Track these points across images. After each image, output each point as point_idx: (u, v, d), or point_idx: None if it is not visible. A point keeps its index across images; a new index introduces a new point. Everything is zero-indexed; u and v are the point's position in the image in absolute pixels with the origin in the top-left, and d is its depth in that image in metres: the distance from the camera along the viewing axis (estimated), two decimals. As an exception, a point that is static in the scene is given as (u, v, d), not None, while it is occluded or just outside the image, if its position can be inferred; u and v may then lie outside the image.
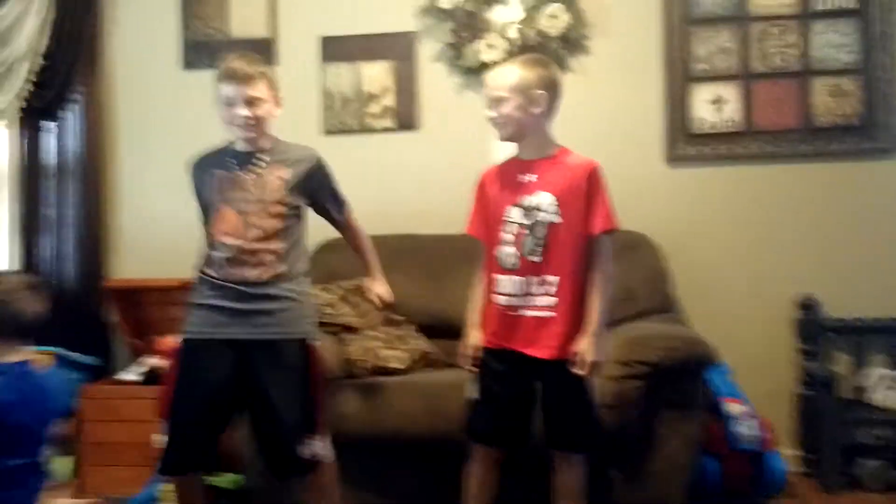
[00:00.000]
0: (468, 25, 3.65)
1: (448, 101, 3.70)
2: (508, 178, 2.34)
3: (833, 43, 3.51)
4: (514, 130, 2.31)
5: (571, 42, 3.61)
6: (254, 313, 2.36)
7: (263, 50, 3.79)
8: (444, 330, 3.29)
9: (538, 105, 2.29)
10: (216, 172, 2.43)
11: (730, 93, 3.56)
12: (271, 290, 2.37)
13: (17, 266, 3.83)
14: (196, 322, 2.40)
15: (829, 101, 3.51)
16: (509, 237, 2.28)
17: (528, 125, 2.30)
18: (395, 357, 3.10)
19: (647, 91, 3.60)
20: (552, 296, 2.24)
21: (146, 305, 3.61)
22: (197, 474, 2.46)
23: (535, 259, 2.25)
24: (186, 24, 3.88)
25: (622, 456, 2.68)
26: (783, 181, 3.52)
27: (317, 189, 2.50)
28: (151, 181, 3.89)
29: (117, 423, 3.33)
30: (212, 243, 2.42)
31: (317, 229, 3.36)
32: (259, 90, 2.37)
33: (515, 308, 2.27)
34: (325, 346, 2.95)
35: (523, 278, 2.26)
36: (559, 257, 2.24)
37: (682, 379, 2.65)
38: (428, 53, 3.73)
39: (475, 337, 2.38)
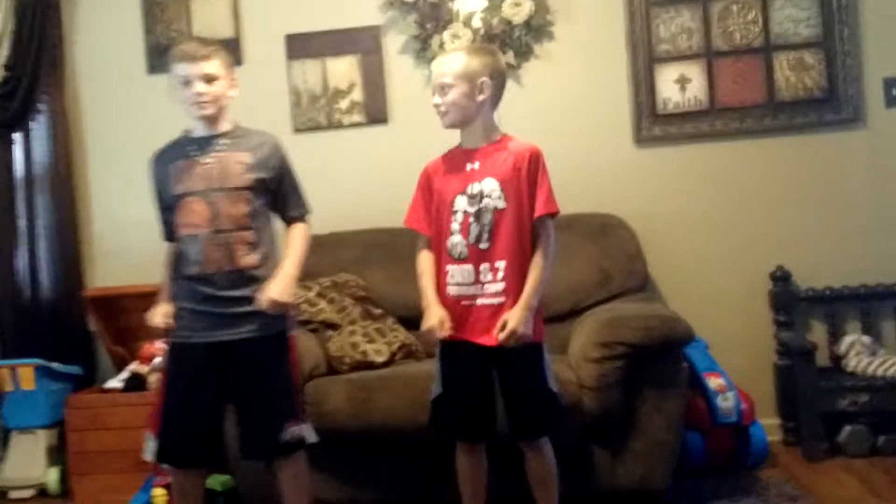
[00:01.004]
0: (432, 17, 3.67)
1: (416, 94, 3.71)
2: (453, 168, 2.35)
3: (793, 17, 3.55)
4: (457, 117, 2.32)
5: (535, 28, 3.63)
6: (234, 315, 2.36)
7: (228, 50, 3.73)
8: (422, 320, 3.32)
9: (482, 92, 2.29)
10: (176, 163, 2.40)
11: (693, 72, 3.60)
12: (248, 289, 2.36)
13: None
14: (181, 326, 2.40)
15: (791, 75, 3.56)
16: (456, 226, 2.29)
17: (472, 112, 2.31)
18: (375, 350, 3.12)
19: (612, 74, 3.63)
20: (501, 281, 2.25)
21: (126, 312, 3.60)
22: (198, 468, 2.46)
23: (483, 246, 2.26)
24: (149, 28, 3.85)
25: (606, 436, 2.71)
26: (750, 157, 3.57)
27: (276, 176, 2.45)
28: (122, 187, 3.86)
29: (104, 431, 3.32)
30: (180, 238, 2.40)
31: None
32: (214, 67, 2.37)
33: (468, 298, 2.29)
34: (306, 344, 3.00)
35: (473, 266, 2.27)
36: (506, 242, 2.25)
37: (662, 357, 2.69)
38: (394, 46, 3.74)
39: (437, 313, 2.30)
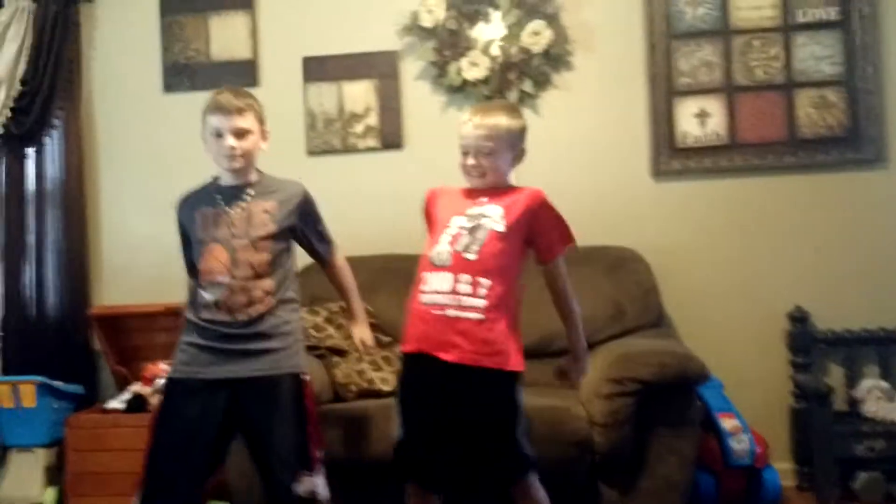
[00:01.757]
0: (451, 43, 3.65)
1: (432, 120, 3.69)
2: (458, 197, 2.34)
3: (816, 55, 3.51)
4: (494, 180, 2.29)
5: (554, 58, 3.61)
6: (243, 352, 2.32)
7: (245, 72, 3.78)
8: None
9: (518, 158, 2.30)
10: (202, 210, 2.41)
11: (714, 106, 3.56)
12: (261, 328, 2.33)
13: (-2, 294, 3.78)
14: (183, 361, 2.36)
15: (813, 112, 3.51)
16: (446, 237, 2.25)
17: (506, 175, 2.30)
18: (382, 379, 3.07)
19: (631, 106, 3.59)
20: (482, 298, 2.15)
21: (131, 332, 3.57)
22: None
23: (469, 256, 2.18)
24: (166, 47, 3.85)
25: (615, 475, 2.64)
26: (769, 193, 3.52)
27: (303, 223, 2.48)
28: (133, 206, 3.84)
29: (104, 453, 3.27)
30: (200, 284, 2.38)
31: (302, 252, 3.36)
32: (247, 122, 2.37)
33: (441, 307, 2.17)
34: (312, 370, 2.94)
35: (453, 275, 2.18)
36: (495, 261, 2.17)
37: (675, 396, 2.63)
38: (411, 72, 3.72)
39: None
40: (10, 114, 3.77)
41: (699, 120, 3.57)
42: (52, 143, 3.84)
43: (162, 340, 3.46)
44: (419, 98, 3.72)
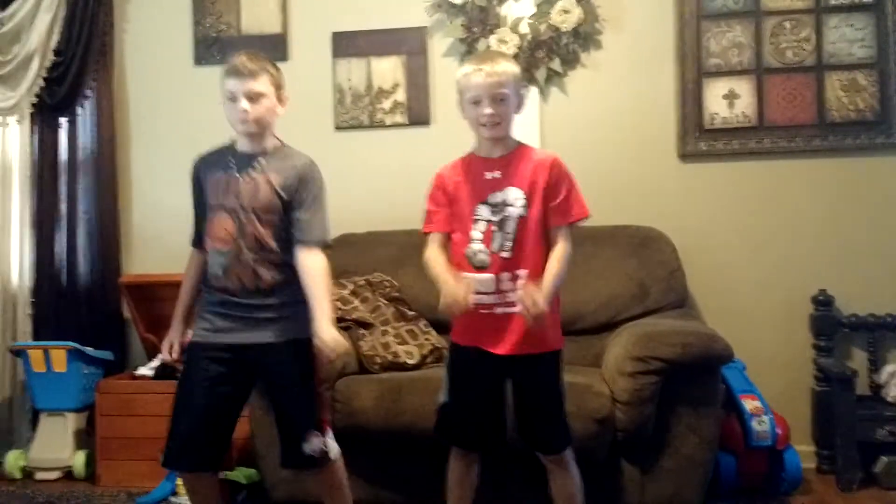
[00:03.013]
0: (480, 20, 3.64)
1: (460, 97, 3.70)
2: (472, 176, 2.30)
3: (847, 37, 3.48)
4: (507, 129, 2.28)
5: (583, 37, 3.60)
6: (255, 320, 2.35)
7: (275, 45, 3.80)
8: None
9: (520, 105, 2.29)
10: (216, 174, 2.40)
11: (743, 88, 3.54)
12: (270, 299, 2.36)
13: (31, 262, 3.84)
14: (201, 325, 2.40)
15: (842, 95, 3.49)
16: (478, 234, 2.24)
17: (511, 123, 2.28)
18: (407, 352, 3.11)
19: (659, 86, 3.59)
20: (520, 289, 2.19)
21: (160, 300, 3.60)
22: (206, 472, 2.43)
23: (506, 255, 2.22)
24: (198, 20, 3.88)
25: (637, 453, 2.67)
26: (797, 176, 3.51)
27: (295, 197, 2.37)
28: (163, 176, 3.89)
29: (132, 418, 3.33)
30: (208, 250, 2.40)
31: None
32: (261, 85, 2.34)
33: (486, 306, 2.23)
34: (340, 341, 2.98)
35: (495, 275, 2.22)
36: (528, 251, 2.22)
37: (698, 375, 2.64)
38: (439, 48, 3.73)
39: (455, 286, 2.17)
40: (43, 84, 3.82)
41: (728, 101, 3.55)
42: (85, 114, 3.89)
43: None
44: (447, 75, 3.71)
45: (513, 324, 2.21)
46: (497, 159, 2.29)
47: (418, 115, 3.75)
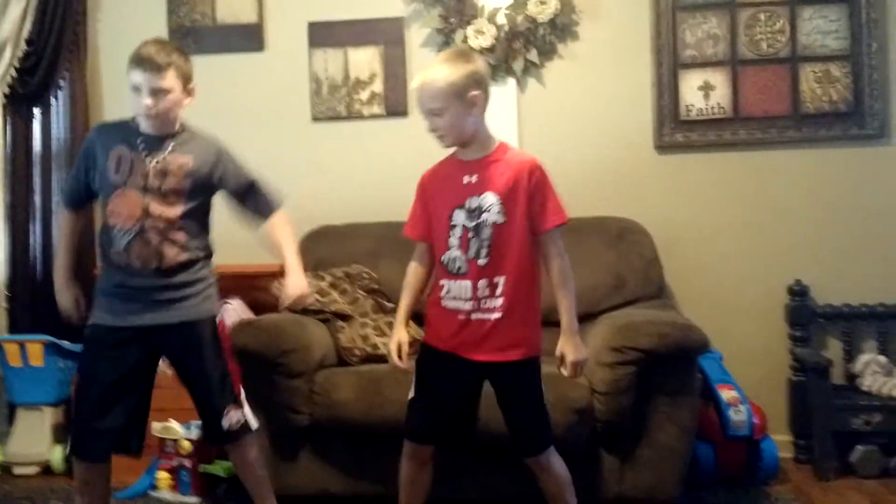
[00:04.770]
0: (457, 11, 3.64)
1: (437, 88, 3.69)
2: (450, 180, 2.28)
3: (821, 29, 3.51)
4: (458, 138, 2.25)
5: (560, 27, 3.60)
6: (160, 301, 2.36)
7: (250, 35, 3.77)
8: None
9: (476, 105, 2.21)
10: (119, 149, 2.38)
11: (718, 79, 3.56)
12: (173, 279, 2.37)
13: (5, 254, 3.78)
14: (103, 309, 2.40)
15: (816, 87, 3.52)
16: (455, 241, 2.23)
17: (470, 128, 2.23)
18: (386, 344, 3.09)
19: (636, 77, 3.59)
20: (499, 297, 2.20)
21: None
22: (108, 461, 2.44)
23: (482, 262, 2.20)
24: (172, 10, 3.83)
25: (616, 443, 2.69)
26: (772, 168, 3.54)
27: (224, 179, 2.44)
28: (138, 168, 3.85)
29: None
30: (109, 227, 2.38)
31: (304, 219, 3.37)
32: (167, 81, 2.33)
33: (465, 313, 2.23)
34: (318, 335, 2.98)
35: (472, 282, 2.21)
36: (505, 257, 2.20)
37: (675, 365, 2.66)
38: (417, 39, 3.71)
39: (396, 337, 2.34)
40: (15, 74, 3.76)
41: (703, 92, 3.57)
42: (58, 104, 3.83)
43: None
44: (424, 65, 3.65)
45: (491, 331, 2.21)
46: (473, 163, 2.25)
47: (396, 106, 3.73)
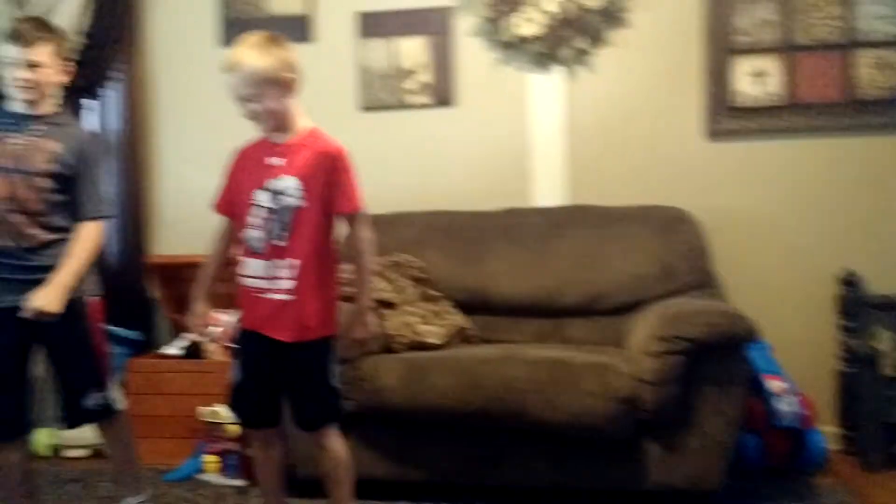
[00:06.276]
0: (506, -1, 3.62)
1: (485, 77, 3.69)
2: (256, 161, 2.31)
3: (878, 14, 3.42)
4: (279, 121, 2.27)
5: (610, 15, 3.56)
6: (27, 282, 2.40)
7: (300, 26, 3.80)
8: (480, 306, 3.31)
9: (290, 88, 2.25)
10: None
11: (772, 66, 3.49)
12: (39, 259, 2.41)
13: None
14: None
15: (873, 73, 3.43)
16: (257, 221, 2.26)
17: (286, 112, 2.26)
18: (431, 332, 3.11)
19: (687, 64, 3.54)
20: (293, 279, 2.24)
21: (186, 281, 3.60)
22: (19, 440, 2.51)
23: (281, 243, 2.24)
24: (224, 2, 3.88)
25: (661, 432, 2.67)
26: (826, 155, 3.46)
27: (78, 169, 2.46)
28: (189, 158, 3.92)
29: (160, 396, 3.38)
30: None
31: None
32: (41, 55, 2.38)
33: (261, 290, 2.27)
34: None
35: (269, 261, 2.25)
36: (302, 241, 2.24)
37: (723, 355, 2.63)
38: (465, 28, 3.71)
39: (199, 308, 2.43)
40: (72, 66, 3.84)
41: (756, 79, 3.51)
42: (113, 96, 3.91)
43: (217, 290, 3.54)
44: (472, 54, 3.71)
45: (280, 310, 2.26)
46: (281, 146, 2.29)
47: (443, 96, 3.74)
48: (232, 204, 2.36)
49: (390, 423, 2.85)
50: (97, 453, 3.54)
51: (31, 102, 2.43)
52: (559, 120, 3.62)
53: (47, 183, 2.41)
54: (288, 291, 2.24)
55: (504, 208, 3.49)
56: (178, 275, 3.65)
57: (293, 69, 2.24)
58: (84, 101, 3.90)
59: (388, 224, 3.51)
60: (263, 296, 2.27)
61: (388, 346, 3.04)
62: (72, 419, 2.55)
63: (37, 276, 2.40)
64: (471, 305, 3.30)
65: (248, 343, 2.36)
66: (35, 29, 2.40)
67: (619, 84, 3.60)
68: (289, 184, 2.24)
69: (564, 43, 3.58)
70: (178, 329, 3.66)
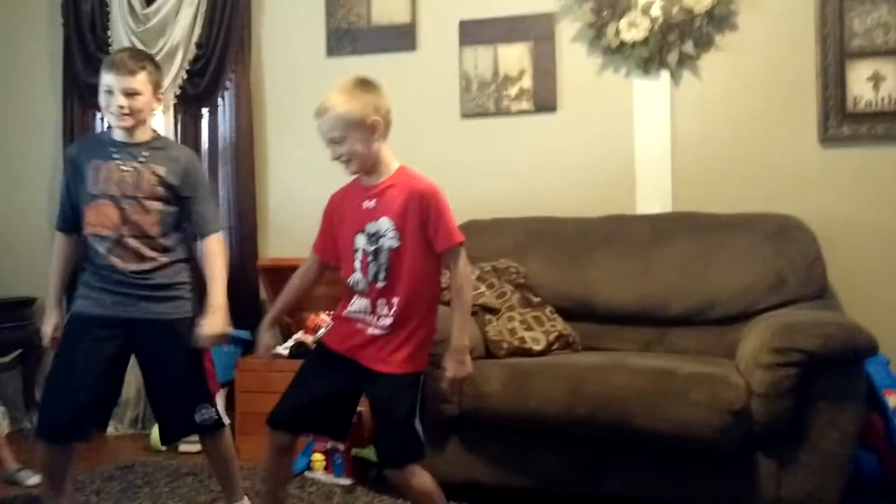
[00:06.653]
0: (609, 4, 3.60)
1: (587, 82, 3.67)
2: (351, 205, 2.35)
3: None
4: (363, 164, 2.29)
5: (718, 18, 3.49)
6: (141, 297, 2.48)
7: (403, 35, 3.86)
8: (582, 312, 3.28)
9: (375, 132, 2.26)
10: (96, 162, 2.51)
11: (889, 69, 3.36)
12: (152, 281, 2.49)
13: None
14: (83, 300, 2.53)
15: None
16: (357, 265, 2.30)
17: (374, 154, 2.28)
18: (533, 339, 3.11)
19: (799, 68, 3.44)
20: (393, 317, 2.26)
21: (294, 283, 3.74)
22: (70, 445, 2.56)
23: (380, 284, 2.27)
24: (330, 13, 3.98)
25: (775, 446, 2.58)
26: (947, 162, 3.31)
27: (187, 190, 2.55)
28: (297, 164, 4.02)
29: (270, 395, 3.42)
30: (89, 236, 2.52)
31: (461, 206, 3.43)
32: (138, 83, 2.47)
33: (362, 322, 2.30)
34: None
35: (370, 300, 2.29)
36: (401, 280, 2.26)
37: (840, 369, 2.53)
38: (567, 34, 3.70)
39: (266, 337, 2.50)
40: (185, 76, 4.01)
41: (872, 83, 3.38)
42: (224, 104, 4.07)
43: (322, 292, 3.58)
44: (574, 60, 3.69)
45: (382, 345, 2.28)
46: (372, 188, 2.32)
47: (544, 102, 3.73)
48: (330, 249, 2.43)
49: (493, 428, 2.85)
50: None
51: (128, 129, 2.53)
52: (664, 126, 3.57)
53: (157, 206, 2.51)
54: (385, 328, 2.29)
55: (608, 215, 3.46)
56: (287, 277, 3.72)
57: (380, 113, 2.28)
58: (199, 111, 4.07)
59: (489, 230, 3.53)
60: (363, 327, 2.31)
61: (490, 352, 3.05)
62: (176, 433, 2.66)
63: (154, 292, 2.51)
64: (573, 312, 3.28)
65: (323, 359, 2.40)
66: (132, 58, 2.52)
67: (726, 89, 3.52)
68: (384, 226, 2.29)
69: (670, 48, 3.53)
70: (286, 330, 3.75)
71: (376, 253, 2.28)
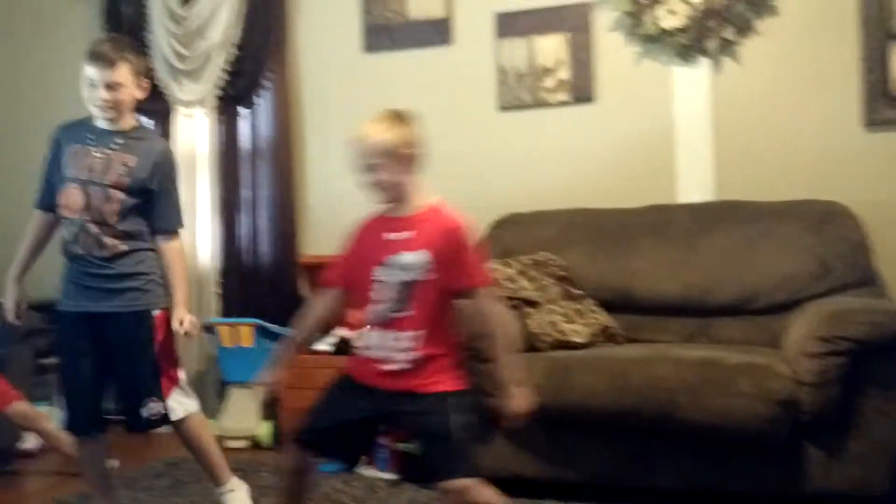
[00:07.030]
0: (646, -8, 3.56)
1: (624, 72, 3.64)
2: (376, 236, 2.30)
3: None
4: (395, 193, 2.26)
5: (758, 3, 3.44)
6: (102, 290, 2.50)
7: (439, 30, 3.86)
8: (624, 304, 3.27)
9: (410, 164, 2.24)
10: (74, 146, 2.53)
11: (936, 50, 3.30)
12: (113, 269, 2.50)
13: (218, 245, 4.11)
14: (62, 295, 2.58)
15: None
16: (377, 296, 2.25)
17: (406, 186, 2.25)
18: (575, 331, 3.10)
19: (841, 51, 3.38)
20: (412, 350, 2.22)
21: (334, 280, 3.77)
22: (100, 435, 2.61)
23: (400, 315, 2.23)
24: (367, 9, 3.99)
25: (822, 435, 2.56)
26: None
27: (154, 183, 2.54)
28: (335, 162, 4.02)
29: (313, 391, 3.48)
30: (60, 218, 2.55)
31: (491, 207, 3.44)
32: (120, 76, 2.47)
33: (380, 359, 2.26)
34: (508, 319, 3.02)
35: (389, 333, 2.24)
36: (423, 313, 2.22)
37: (889, 356, 2.50)
38: (604, 23, 3.67)
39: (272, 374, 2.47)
40: (226, 76, 4.05)
41: (918, 65, 3.31)
42: (264, 104, 4.11)
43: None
44: (611, 50, 3.66)
45: (404, 377, 2.23)
46: (399, 220, 2.28)
47: (582, 93, 3.71)
48: (349, 278, 2.40)
49: (537, 421, 2.83)
50: (256, 444, 3.71)
51: (110, 120, 2.55)
52: (705, 113, 3.53)
53: (120, 195, 2.52)
54: (406, 362, 2.26)
55: (648, 205, 3.44)
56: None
57: (413, 146, 2.28)
58: (238, 112, 4.12)
59: (528, 223, 3.53)
60: (381, 366, 2.28)
61: (531, 345, 3.05)
62: (130, 424, 2.64)
63: (113, 284, 2.53)
64: (614, 304, 3.26)
65: (349, 385, 2.36)
66: (114, 50, 2.51)
67: (768, 74, 3.47)
68: (408, 259, 2.26)
69: (709, 34, 3.49)
70: (328, 326, 3.78)
71: (398, 286, 2.26)
